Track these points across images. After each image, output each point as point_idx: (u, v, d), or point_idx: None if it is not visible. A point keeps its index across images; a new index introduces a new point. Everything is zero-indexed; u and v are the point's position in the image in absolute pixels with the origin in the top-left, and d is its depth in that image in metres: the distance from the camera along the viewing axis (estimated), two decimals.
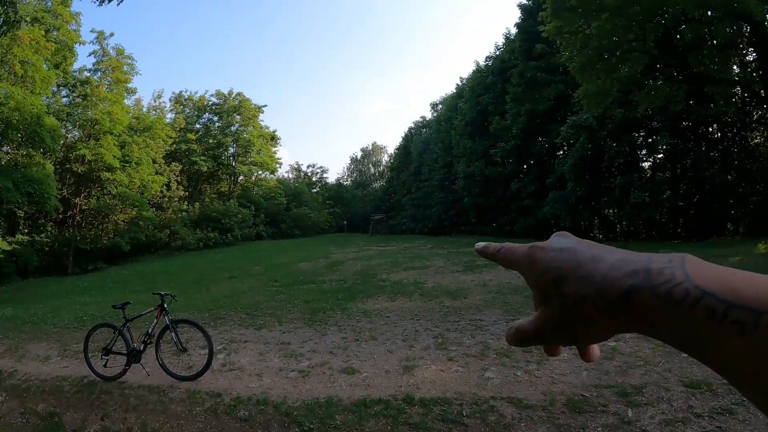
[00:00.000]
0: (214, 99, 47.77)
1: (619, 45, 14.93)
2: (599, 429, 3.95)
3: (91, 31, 32.67)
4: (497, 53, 35.15)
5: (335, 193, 67.96)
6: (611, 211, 25.79)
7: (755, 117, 21.13)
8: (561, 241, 0.50)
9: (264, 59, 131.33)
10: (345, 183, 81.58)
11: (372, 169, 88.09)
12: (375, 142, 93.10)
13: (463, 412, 4.38)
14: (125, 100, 34.12)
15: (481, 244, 0.59)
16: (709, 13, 14.97)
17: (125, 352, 6.15)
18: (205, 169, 43.27)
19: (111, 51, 32.92)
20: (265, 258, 23.05)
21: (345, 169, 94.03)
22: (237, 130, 47.39)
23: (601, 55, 15.68)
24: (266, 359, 6.57)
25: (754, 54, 17.49)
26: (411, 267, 15.62)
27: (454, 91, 45.15)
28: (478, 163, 33.81)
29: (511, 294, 10.19)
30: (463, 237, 35.70)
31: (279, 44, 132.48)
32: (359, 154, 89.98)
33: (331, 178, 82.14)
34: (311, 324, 8.47)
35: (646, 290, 0.38)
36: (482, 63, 37.43)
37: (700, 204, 21.73)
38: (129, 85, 34.20)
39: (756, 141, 21.89)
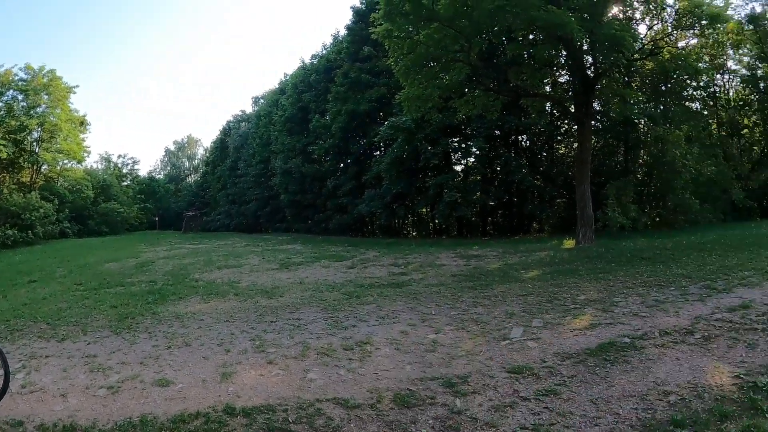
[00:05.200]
0: (21, 74, 40.88)
1: (444, 54, 15.66)
2: (430, 422, 3.97)
3: None
4: (324, 53, 35.46)
5: (147, 187, 64.52)
6: (425, 209, 27.56)
7: (562, 130, 24.21)
8: None
9: (76, 36, 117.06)
10: (158, 177, 77.27)
11: (186, 163, 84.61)
12: (191, 135, 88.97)
13: (289, 419, 4.17)
14: None
15: None
16: (531, 36, 16.55)
17: None
18: (5, 155, 36.68)
19: None
20: (69, 258, 21.18)
21: (158, 161, 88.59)
22: (44, 111, 41.50)
23: (426, 62, 16.38)
24: (71, 376, 5.74)
25: (567, 76, 19.85)
26: (225, 266, 15.50)
27: (277, 86, 44.62)
28: (295, 159, 34.02)
29: (327, 291, 10.31)
30: (279, 234, 35.88)
31: (93, 22, 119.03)
32: (173, 147, 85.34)
33: (143, 170, 76.39)
34: (119, 332, 7.72)
35: None
36: (308, 61, 37.50)
37: (509, 204, 24.16)
38: None
39: (561, 151, 25.31)
